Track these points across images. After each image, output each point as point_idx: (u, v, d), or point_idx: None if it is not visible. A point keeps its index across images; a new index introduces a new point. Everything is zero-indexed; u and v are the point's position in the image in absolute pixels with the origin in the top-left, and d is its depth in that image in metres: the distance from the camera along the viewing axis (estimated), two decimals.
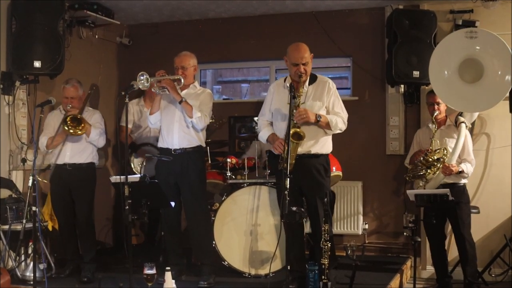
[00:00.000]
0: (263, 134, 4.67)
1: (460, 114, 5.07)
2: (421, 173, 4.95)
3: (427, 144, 5.03)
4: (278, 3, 6.03)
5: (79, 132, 4.93)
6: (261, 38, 6.47)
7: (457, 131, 4.94)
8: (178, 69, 4.83)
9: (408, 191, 4.94)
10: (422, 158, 4.92)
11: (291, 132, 4.27)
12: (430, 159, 4.89)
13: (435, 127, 4.97)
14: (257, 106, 6.59)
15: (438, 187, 4.90)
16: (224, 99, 7.51)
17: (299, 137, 4.30)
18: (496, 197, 5.09)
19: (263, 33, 6.45)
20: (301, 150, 4.42)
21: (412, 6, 5.87)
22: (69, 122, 4.90)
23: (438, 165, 4.87)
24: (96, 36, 6.32)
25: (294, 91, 4.34)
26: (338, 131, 4.55)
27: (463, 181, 4.97)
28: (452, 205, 4.78)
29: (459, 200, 4.84)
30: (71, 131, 4.90)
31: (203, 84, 7.19)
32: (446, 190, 4.72)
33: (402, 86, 5.94)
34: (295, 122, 4.30)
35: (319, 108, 4.49)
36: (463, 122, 4.96)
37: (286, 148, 4.28)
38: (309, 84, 4.56)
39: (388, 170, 6.09)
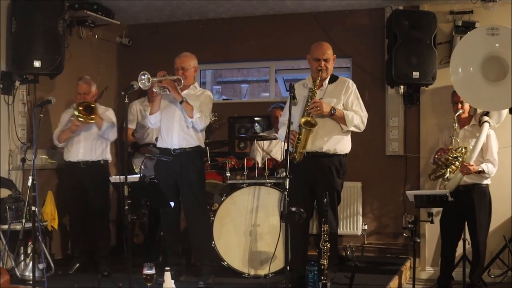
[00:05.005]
0: (282, 132, 4.66)
1: (486, 114, 4.98)
2: (442, 172, 4.91)
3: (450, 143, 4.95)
4: (278, 4, 6.03)
5: (90, 121, 4.99)
6: (261, 39, 6.47)
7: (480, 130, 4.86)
8: (178, 70, 4.83)
9: (408, 192, 4.94)
10: (442, 157, 4.88)
11: (302, 120, 4.35)
12: (450, 158, 4.84)
13: (455, 126, 4.91)
14: (256, 107, 6.62)
15: (458, 187, 4.85)
16: (223, 99, 7.51)
17: (311, 125, 4.36)
18: (496, 198, 5.07)
19: (263, 34, 6.46)
20: (313, 147, 4.46)
21: (412, 7, 5.87)
22: (81, 109, 4.96)
23: (457, 164, 4.81)
24: (96, 36, 6.32)
25: (293, 91, 4.37)
26: (354, 128, 4.54)
27: (485, 182, 4.91)
28: (472, 206, 4.78)
29: (479, 201, 4.82)
30: (81, 119, 4.96)
31: (202, 84, 7.18)
32: (446, 191, 4.71)
33: (402, 86, 5.94)
34: (308, 112, 4.38)
35: (335, 104, 4.52)
36: (486, 121, 4.88)
37: (297, 137, 4.35)
38: (329, 83, 4.61)
39: (387, 171, 6.09)
